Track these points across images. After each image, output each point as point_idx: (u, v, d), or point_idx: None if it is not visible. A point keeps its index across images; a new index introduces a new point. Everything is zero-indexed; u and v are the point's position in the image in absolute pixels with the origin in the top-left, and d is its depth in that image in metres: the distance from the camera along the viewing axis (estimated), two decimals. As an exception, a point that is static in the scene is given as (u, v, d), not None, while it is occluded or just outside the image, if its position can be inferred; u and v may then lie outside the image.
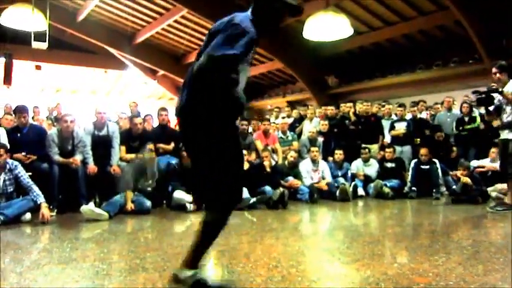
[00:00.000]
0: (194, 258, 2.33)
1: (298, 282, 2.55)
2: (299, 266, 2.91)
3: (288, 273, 2.72)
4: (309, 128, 8.46)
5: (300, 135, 8.65)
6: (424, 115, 8.71)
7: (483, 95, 5.23)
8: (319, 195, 6.56)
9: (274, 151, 7.48)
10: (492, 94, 5.17)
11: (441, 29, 10.10)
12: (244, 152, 6.51)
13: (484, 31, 8.70)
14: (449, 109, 8.33)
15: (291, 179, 6.79)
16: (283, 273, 2.74)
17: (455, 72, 10.04)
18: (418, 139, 7.91)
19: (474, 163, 7.22)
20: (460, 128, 7.79)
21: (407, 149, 7.88)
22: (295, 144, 7.86)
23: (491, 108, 5.35)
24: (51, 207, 4.91)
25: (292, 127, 8.95)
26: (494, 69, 5.32)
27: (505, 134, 5.16)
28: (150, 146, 6.03)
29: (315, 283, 2.55)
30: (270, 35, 2.52)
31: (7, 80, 12.46)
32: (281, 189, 5.99)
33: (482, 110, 8.09)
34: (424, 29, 10.23)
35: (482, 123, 7.67)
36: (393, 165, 7.35)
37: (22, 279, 2.62)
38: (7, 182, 4.76)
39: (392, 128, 8.11)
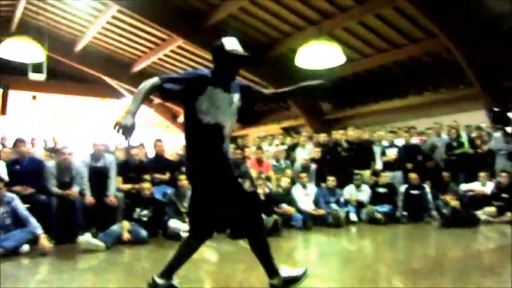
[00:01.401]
0: (169, 270, 2.90)
1: (289, 308, 2.66)
2: (291, 293, 3.00)
3: (280, 301, 2.82)
4: (302, 155, 8.61)
5: (293, 162, 8.79)
6: (416, 140, 8.89)
7: (498, 113, 4.82)
8: (312, 222, 6.66)
9: (267, 179, 7.60)
10: (507, 113, 4.79)
11: (431, 56, 10.40)
12: (240, 180, 6.65)
13: (472, 56, 8.96)
14: (439, 134, 8.51)
15: (284, 205, 6.89)
16: (275, 300, 2.84)
17: (446, 97, 10.28)
18: (410, 164, 8.05)
19: (464, 187, 7.37)
20: (449, 152, 7.97)
21: (398, 174, 8.03)
22: (289, 171, 8.00)
23: (509, 129, 4.99)
24: (49, 238, 4.96)
25: (286, 154, 9.08)
26: None
27: None
28: (147, 176, 6.17)
29: (305, 309, 2.65)
30: (231, 79, 2.82)
31: (2, 110, 12.60)
32: (275, 216, 6.09)
33: (497, 134, 8.30)
34: (414, 55, 10.53)
35: (470, 148, 7.87)
36: (385, 190, 7.48)
37: (22, 311, 2.71)
38: (5, 215, 4.83)
39: (383, 153, 8.27)
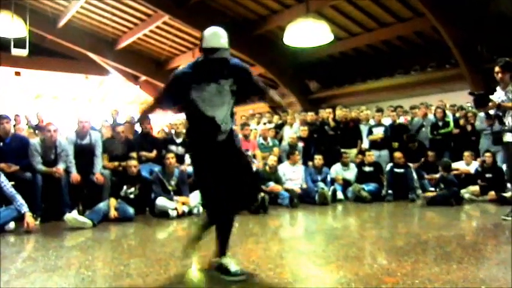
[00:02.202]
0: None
1: (275, 284, 2.71)
2: (276, 269, 3.05)
3: (266, 276, 2.87)
4: (289, 133, 8.64)
5: (280, 141, 8.81)
6: (402, 120, 8.96)
7: (479, 96, 4.86)
8: (299, 200, 6.73)
9: (254, 157, 7.62)
10: (489, 96, 4.82)
11: (419, 35, 10.42)
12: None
13: (459, 36, 9.00)
14: (425, 115, 8.58)
15: (271, 184, 6.93)
16: (261, 275, 2.89)
17: (432, 77, 10.36)
18: (397, 143, 8.12)
19: (448, 166, 7.46)
20: (435, 132, 8.05)
21: (384, 153, 8.09)
22: (276, 150, 8.02)
23: (491, 112, 4.93)
24: (34, 216, 4.95)
25: (274, 133, 9.09)
26: (497, 68, 4.75)
27: (508, 137, 4.75)
28: (133, 154, 6.13)
29: (290, 284, 2.70)
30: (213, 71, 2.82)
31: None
32: (262, 194, 6.12)
33: (458, 114, 8.41)
34: (402, 34, 10.54)
35: (455, 128, 7.95)
36: (371, 169, 7.56)
37: (9, 288, 2.71)
38: (-10, 192, 4.80)
39: (370, 133, 8.33)
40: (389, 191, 7.14)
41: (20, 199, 4.80)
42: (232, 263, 2.86)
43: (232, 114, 2.90)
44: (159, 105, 3.03)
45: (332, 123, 8.53)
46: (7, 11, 9.05)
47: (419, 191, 7.30)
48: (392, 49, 11.21)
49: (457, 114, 8.53)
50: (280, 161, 7.68)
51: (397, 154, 7.40)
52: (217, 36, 2.77)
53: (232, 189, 2.82)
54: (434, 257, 3.33)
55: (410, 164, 7.44)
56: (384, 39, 10.88)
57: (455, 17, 8.81)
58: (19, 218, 4.77)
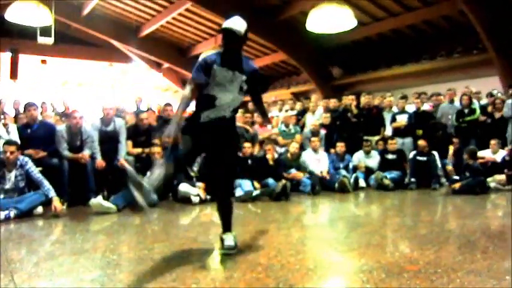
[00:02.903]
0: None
1: (296, 270, 2.72)
2: (298, 255, 3.07)
3: (287, 262, 2.89)
4: (311, 120, 8.59)
5: (302, 127, 8.77)
6: (426, 107, 8.79)
7: None
8: (321, 187, 6.71)
9: (276, 143, 7.62)
10: None
11: (445, 19, 10.14)
12: (248, 144, 6.70)
13: (488, 21, 8.72)
14: (452, 101, 8.38)
15: (293, 171, 6.93)
16: (282, 262, 2.90)
17: (459, 63, 10.09)
18: (421, 131, 7.98)
19: (474, 154, 7.31)
20: (460, 119, 7.88)
21: (408, 141, 7.97)
22: (298, 137, 8.00)
23: None
24: (61, 200, 5.07)
25: (296, 120, 9.06)
26: None
27: None
28: (156, 141, 6.20)
29: (311, 271, 2.71)
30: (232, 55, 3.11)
31: (13, 74, 12.66)
32: (283, 181, 6.14)
33: (484, 101, 8.20)
34: (428, 19, 10.27)
35: (481, 115, 7.76)
36: (394, 156, 7.47)
37: (39, 269, 2.80)
38: (19, 178, 4.94)
39: (393, 120, 8.21)
40: (413, 179, 7.05)
41: (47, 184, 4.94)
42: (227, 238, 3.18)
43: (236, 109, 3.19)
44: (197, 82, 3.05)
45: (355, 110, 8.44)
46: (34, 0, 9.18)
47: (443, 180, 7.19)
48: (417, 34, 10.95)
49: (484, 101, 8.32)
50: (302, 148, 7.67)
51: (421, 142, 7.28)
52: (236, 21, 3.04)
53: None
54: (458, 246, 3.29)
55: (434, 152, 7.31)
56: (409, 24, 10.62)
57: (483, 0, 8.54)
58: (47, 203, 4.91)
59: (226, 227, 3.26)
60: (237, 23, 3.02)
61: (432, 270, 2.64)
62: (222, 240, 3.21)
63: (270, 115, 9.14)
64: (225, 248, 3.14)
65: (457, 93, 8.51)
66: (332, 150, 7.69)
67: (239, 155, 6.71)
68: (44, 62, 14.76)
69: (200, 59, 3.15)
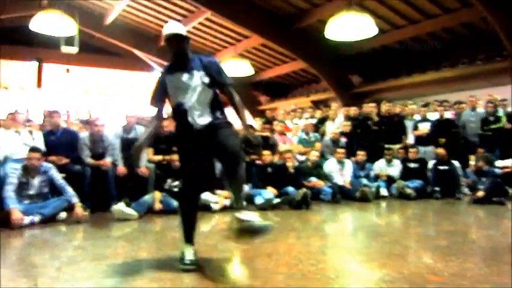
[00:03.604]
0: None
1: (317, 279, 2.69)
2: (319, 265, 3.04)
3: (308, 271, 2.86)
4: (332, 128, 8.54)
5: (322, 136, 8.73)
6: (449, 115, 8.66)
7: None
8: (341, 196, 6.65)
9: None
10: None
11: (466, 27, 9.99)
12: (267, 152, 6.69)
13: (511, 27, 8.57)
14: (474, 108, 8.24)
15: (314, 179, 6.89)
16: (303, 271, 2.88)
17: (481, 70, 9.89)
18: (444, 139, 7.85)
19: (499, 163, 7.17)
20: (485, 127, 7.73)
21: (430, 149, 7.86)
22: (318, 145, 7.96)
23: None
24: (84, 206, 5.14)
25: (315, 128, 9.03)
26: None
27: None
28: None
29: (332, 280, 2.68)
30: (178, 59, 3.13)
31: (38, 83, 12.99)
32: (304, 189, 6.11)
33: (510, 109, 8.03)
34: (448, 26, 10.14)
35: (507, 123, 7.60)
36: (416, 165, 7.37)
37: (61, 274, 2.84)
38: (42, 184, 5.03)
39: (415, 128, 8.10)
40: (436, 188, 6.93)
41: (70, 190, 5.02)
42: (188, 252, 2.98)
43: (212, 105, 3.06)
44: (155, 113, 3.19)
45: (375, 118, 8.36)
46: (58, 11, 9.39)
47: (465, 189, 7.06)
48: (438, 42, 10.81)
49: (509, 109, 8.15)
50: (322, 156, 7.63)
51: (441, 151, 7.18)
52: (174, 26, 3.13)
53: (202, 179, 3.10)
54: (483, 257, 3.23)
55: (455, 162, 7.18)
56: (430, 31, 10.51)
57: (505, 6, 8.39)
58: (69, 208, 4.98)
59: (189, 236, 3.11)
60: (177, 26, 3.10)
61: (458, 282, 2.58)
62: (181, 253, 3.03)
63: (290, 124, 9.13)
64: (184, 264, 2.94)
65: (480, 101, 8.36)
66: (352, 159, 7.63)
67: (257, 162, 6.73)
68: (67, 71, 15.08)
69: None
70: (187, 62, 3.07)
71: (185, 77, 3.02)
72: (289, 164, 6.77)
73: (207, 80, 3.04)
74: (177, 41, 3.05)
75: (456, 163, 7.15)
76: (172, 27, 3.10)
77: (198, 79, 3.02)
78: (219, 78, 3.10)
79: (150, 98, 3.18)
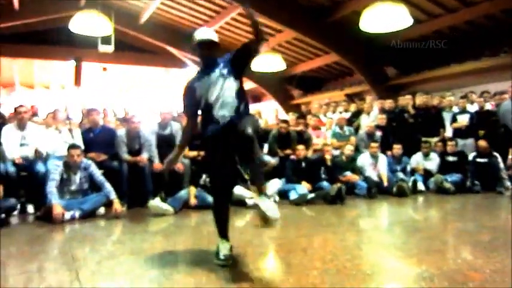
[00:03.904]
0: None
1: (352, 275, 2.66)
2: (354, 260, 3.01)
3: (343, 267, 2.84)
4: (367, 122, 8.40)
5: (357, 129, 8.60)
6: (489, 106, 8.35)
7: None
8: (377, 190, 6.54)
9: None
10: None
11: (508, 13, 9.60)
12: (302, 147, 6.66)
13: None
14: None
15: (348, 173, 6.81)
16: (338, 266, 2.85)
17: (523, 59, 9.52)
18: (483, 131, 7.59)
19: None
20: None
21: (470, 142, 7.61)
22: (353, 139, 7.85)
23: None
24: (122, 202, 5.27)
25: (349, 121, 8.92)
26: None
27: None
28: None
29: (369, 277, 2.64)
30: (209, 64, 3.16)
31: (77, 81, 13.40)
32: (338, 184, 6.04)
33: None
34: (489, 13, 9.76)
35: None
36: (455, 159, 7.15)
37: (101, 268, 2.92)
38: (83, 180, 5.19)
39: (454, 120, 7.86)
40: (476, 182, 6.71)
41: (108, 186, 5.16)
42: (223, 248, 3.01)
43: (237, 98, 3.03)
44: (191, 118, 3.26)
45: (412, 111, 8.16)
46: (94, 10, 9.64)
47: (507, 183, 6.80)
48: (477, 30, 10.42)
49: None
50: (357, 150, 7.52)
51: (481, 143, 6.93)
52: (206, 32, 3.19)
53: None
54: (527, 254, 3.09)
55: (496, 154, 6.92)
56: (468, 20, 10.14)
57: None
58: (108, 204, 5.12)
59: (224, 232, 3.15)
60: (210, 33, 3.15)
61: (499, 279, 2.50)
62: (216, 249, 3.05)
63: (324, 118, 9.07)
64: (219, 259, 2.97)
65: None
66: (388, 153, 7.48)
67: (291, 157, 6.70)
68: (105, 69, 15.48)
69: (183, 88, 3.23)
70: (214, 67, 3.09)
71: (210, 77, 3.06)
72: (327, 156, 6.73)
73: (225, 71, 3.05)
74: (208, 47, 3.09)
75: (497, 155, 6.88)
76: (205, 33, 3.15)
77: (217, 73, 3.05)
78: (237, 51, 3.11)
79: (184, 110, 3.29)
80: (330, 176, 6.51)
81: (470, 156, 7.03)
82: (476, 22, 10.17)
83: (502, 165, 6.82)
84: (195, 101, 3.10)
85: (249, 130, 2.72)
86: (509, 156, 7.16)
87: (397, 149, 7.30)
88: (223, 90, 3.01)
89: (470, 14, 9.82)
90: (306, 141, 7.32)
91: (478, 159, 6.86)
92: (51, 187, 4.86)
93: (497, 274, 2.59)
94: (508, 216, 5.14)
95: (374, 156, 7.05)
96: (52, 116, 6.54)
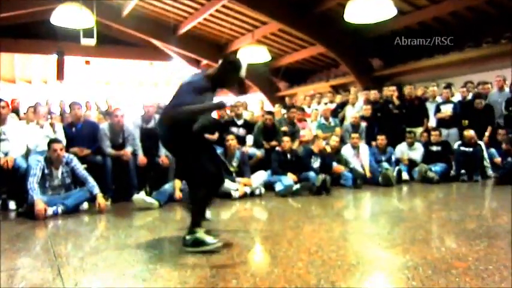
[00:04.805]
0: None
1: (338, 266, 2.66)
2: (339, 251, 3.01)
3: (329, 258, 2.84)
4: (352, 113, 8.43)
5: (342, 120, 8.63)
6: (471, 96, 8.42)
7: None
8: (362, 181, 6.57)
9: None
10: None
11: (490, 4, 9.67)
12: (287, 138, 6.66)
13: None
14: (501, 88, 7.97)
15: (334, 164, 6.83)
16: (323, 257, 2.85)
17: (506, 49, 9.60)
18: (466, 121, 7.67)
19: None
20: (510, 108, 7.49)
21: (453, 131, 7.69)
22: (338, 130, 7.87)
23: None
24: (105, 197, 5.20)
25: (335, 112, 8.94)
26: None
27: None
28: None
29: (354, 267, 2.64)
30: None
31: (60, 75, 13.19)
32: (323, 175, 6.05)
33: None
34: (472, 5, 9.83)
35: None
36: (439, 148, 7.22)
37: (84, 264, 2.88)
38: (65, 175, 5.10)
39: (438, 110, 7.92)
40: (462, 171, 6.78)
41: (92, 181, 5.08)
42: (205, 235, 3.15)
43: None
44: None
45: (396, 102, 8.21)
46: (76, 3, 9.46)
47: (490, 172, 6.89)
48: (461, 21, 10.50)
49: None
50: (342, 141, 7.54)
51: (468, 133, 6.99)
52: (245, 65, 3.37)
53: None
54: (509, 241, 3.12)
55: (481, 142, 7.00)
56: (452, 11, 10.21)
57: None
58: (91, 199, 5.05)
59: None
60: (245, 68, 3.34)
61: (483, 267, 2.52)
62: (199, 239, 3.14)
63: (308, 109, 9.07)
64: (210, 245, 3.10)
65: (507, 81, 8.09)
66: (373, 143, 7.52)
67: (277, 149, 6.70)
68: (87, 62, 15.26)
69: (198, 84, 3.27)
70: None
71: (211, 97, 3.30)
72: (315, 148, 6.75)
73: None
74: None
75: (481, 144, 6.97)
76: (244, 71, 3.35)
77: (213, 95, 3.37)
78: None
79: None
80: (322, 166, 6.53)
81: (455, 145, 7.09)
82: (459, 13, 10.25)
83: (485, 153, 6.90)
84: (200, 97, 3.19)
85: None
86: (486, 134, 7.31)
87: (381, 140, 7.32)
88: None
89: (453, 5, 9.89)
90: (293, 134, 7.32)
91: (463, 148, 6.92)
92: (33, 183, 4.76)
93: (480, 262, 2.61)
94: (490, 204, 5.21)
95: (355, 147, 7.07)
96: (33, 110, 6.42)
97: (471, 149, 6.87)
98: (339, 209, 5.33)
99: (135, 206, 5.08)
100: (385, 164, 7.01)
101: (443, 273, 2.45)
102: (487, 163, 6.91)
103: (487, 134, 7.36)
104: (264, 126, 7.24)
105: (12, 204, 5.27)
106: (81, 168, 5.17)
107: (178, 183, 5.55)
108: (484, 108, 7.56)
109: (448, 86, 8.18)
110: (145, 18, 13.59)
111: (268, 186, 6.26)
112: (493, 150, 7.22)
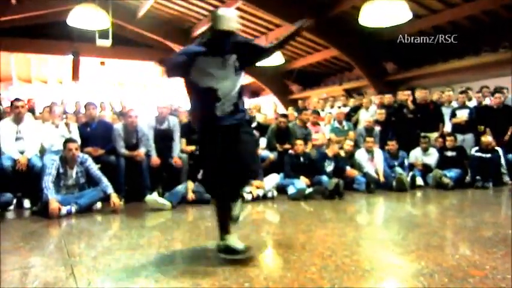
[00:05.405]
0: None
1: (351, 271, 2.63)
2: (353, 256, 2.97)
3: (342, 263, 2.80)
4: (366, 117, 8.36)
5: (355, 124, 8.57)
6: (488, 101, 8.31)
7: None
8: (376, 185, 6.52)
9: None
10: None
11: (508, 8, 9.55)
12: (300, 142, 6.63)
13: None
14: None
15: (347, 168, 6.78)
16: (337, 262, 2.82)
17: (524, 54, 9.47)
18: (482, 127, 7.56)
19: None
20: (527, 114, 7.37)
21: (469, 137, 7.59)
22: (352, 134, 7.81)
23: None
24: (119, 197, 5.22)
25: (348, 116, 8.88)
26: None
27: None
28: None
29: (368, 273, 2.61)
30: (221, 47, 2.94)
31: (75, 76, 13.32)
32: (336, 179, 6.01)
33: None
34: (488, 9, 9.72)
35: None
36: (454, 154, 7.12)
37: (97, 263, 2.89)
38: (79, 174, 5.14)
39: (453, 115, 7.83)
40: (478, 177, 6.68)
41: (105, 181, 5.11)
42: (235, 240, 2.98)
43: (240, 95, 2.99)
44: (166, 72, 2.92)
45: (411, 106, 8.12)
46: (93, 4, 9.56)
47: (506, 178, 6.78)
48: (477, 25, 10.38)
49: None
50: (356, 145, 7.49)
51: (485, 139, 6.88)
52: (231, 20, 2.92)
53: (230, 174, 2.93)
54: (527, 250, 3.06)
55: (498, 148, 6.89)
56: (468, 15, 10.09)
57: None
58: (105, 199, 5.08)
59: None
60: (234, 21, 2.93)
61: (500, 276, 2.47)
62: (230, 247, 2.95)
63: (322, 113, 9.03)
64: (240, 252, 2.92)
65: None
66: (386, 148, 7.45)
67: (290, 152, 6.68)
68: (102, 63, 15.39)
69: (181, 49, 3.05)
70: (223, 51, 2.89)
71: (218, 61, 2.87)
72: (329, 152, 6.72)
73: (238, 64, 2.92)
74: (226, 35, 2.90)
75: (499, 150, 6.85)
76: (229, 21, 2.90)
77: (231, 65, 2.90)
78: (253, 47, 3.05)
79: (168, 69, 2.91)
80: (335, 170, 6.50)
81: (472, 151, 7.00)
82: (476, 17, 10.13)
83: (502, 160, 6.79)
84: (184, 70, 2.88)
85: (250, 168, 2.99)
86: (508, 133, 7.22)
87: (392, 145, 7.22)
88: (232, 82, 2.91)
89: (469, 10, 9.77)
90: (305, 137, 7.29)
91: (480, 154, 6.81)
92: (48, 182, 4.81)
93: (497, 271, 2.56)
94: (508, 211, 5.11)
95: (369, 151, 7.01)
96: (49, 110, 6.49)
97: (488, 155, 6.77)
98: (352, 213, 5.29)
99: (148, 207, 5.10)
100: (399, 169, 6.94)
101: (460, 281, 2.41)
102: (504, 169, 6.79)
103: (509, 133, 7.23)
104: (278, 128, 7.23)
105: (26, 203, 5.35)
106: (95, 168, 5.21)
107: (191, 185, 5.56)
108: (502, 109, 7.44)
109: (465, 90, 8.07)
110: (160, 20, 13.68)
111: (281, 189, 6.24)
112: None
